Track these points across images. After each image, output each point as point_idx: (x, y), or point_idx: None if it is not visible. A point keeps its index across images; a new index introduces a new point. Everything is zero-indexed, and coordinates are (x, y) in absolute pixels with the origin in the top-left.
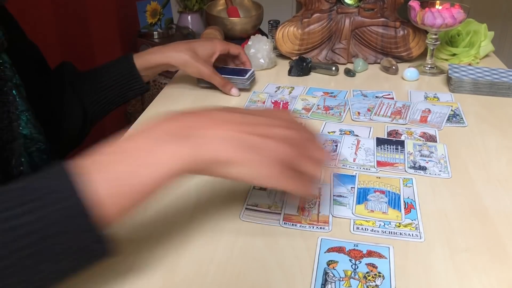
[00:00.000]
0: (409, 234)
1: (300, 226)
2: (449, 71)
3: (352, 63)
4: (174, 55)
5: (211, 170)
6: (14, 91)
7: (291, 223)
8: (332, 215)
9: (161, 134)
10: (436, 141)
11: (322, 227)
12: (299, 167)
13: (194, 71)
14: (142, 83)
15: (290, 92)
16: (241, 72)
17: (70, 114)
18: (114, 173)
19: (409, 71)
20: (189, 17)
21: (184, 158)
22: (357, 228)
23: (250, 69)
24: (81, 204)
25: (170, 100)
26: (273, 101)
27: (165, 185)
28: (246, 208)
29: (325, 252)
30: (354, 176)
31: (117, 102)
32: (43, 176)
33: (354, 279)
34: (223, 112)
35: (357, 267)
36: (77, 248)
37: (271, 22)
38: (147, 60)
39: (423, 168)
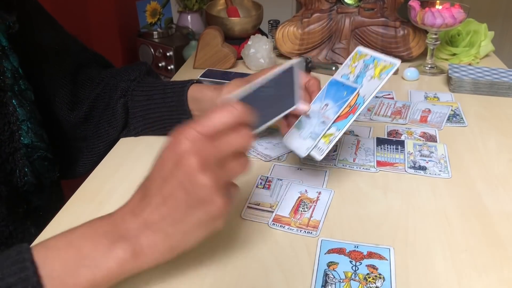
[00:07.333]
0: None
1: (288, 228)
2: (449, 71)
3: None
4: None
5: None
6: (14, 101)
7: (279, 225)
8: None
9: (108, 231)
10: (436, 141)
11: (310, 231)
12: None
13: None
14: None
15: None
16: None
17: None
18: (57, 271)
19: (409, 71)
20: (189, 17)
21: (125, 267)
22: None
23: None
24: None
25: None
26: None
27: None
28: (248, 207)
29: (325, 254)
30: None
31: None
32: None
33: (354, 280)
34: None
35: (358, 268)
36: None
37: (271, 22)
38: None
39: (423, 168)
